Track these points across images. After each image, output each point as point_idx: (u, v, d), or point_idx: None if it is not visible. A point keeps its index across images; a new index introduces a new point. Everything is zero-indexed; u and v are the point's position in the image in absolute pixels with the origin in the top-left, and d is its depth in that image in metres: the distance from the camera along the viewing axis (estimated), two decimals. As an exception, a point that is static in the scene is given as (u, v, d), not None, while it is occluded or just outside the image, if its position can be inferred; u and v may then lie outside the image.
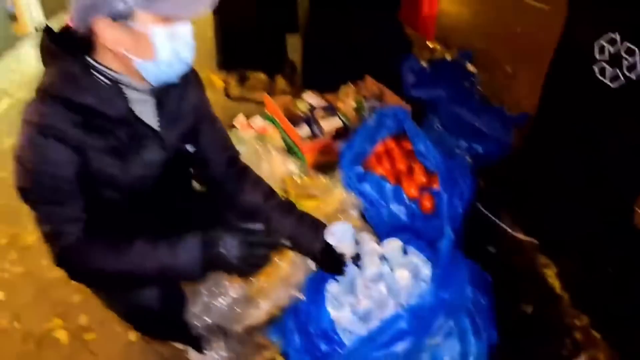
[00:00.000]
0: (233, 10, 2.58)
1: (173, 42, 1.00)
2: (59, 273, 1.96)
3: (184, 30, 1.02)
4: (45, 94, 1.01)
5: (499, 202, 2.17)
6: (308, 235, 1.40)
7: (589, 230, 1.79)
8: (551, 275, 1.87)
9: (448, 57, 3.42)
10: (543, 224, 2.00)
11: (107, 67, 1.04)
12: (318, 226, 1.42)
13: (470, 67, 3.08)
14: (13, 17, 6.05)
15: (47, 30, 1.06)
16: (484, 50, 4.03)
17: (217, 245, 1.07)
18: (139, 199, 1.19)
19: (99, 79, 1.04)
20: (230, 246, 1.07)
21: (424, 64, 3.01)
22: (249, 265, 1.11)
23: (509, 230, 2.06)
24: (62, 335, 1.79)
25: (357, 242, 1.42)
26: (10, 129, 3.50)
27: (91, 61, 1.03)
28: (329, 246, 1.38)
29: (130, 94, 1.09)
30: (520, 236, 2.03)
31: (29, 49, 5.64)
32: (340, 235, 1.37)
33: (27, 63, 5.14)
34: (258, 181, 1.48)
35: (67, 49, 1.02)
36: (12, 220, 2.38)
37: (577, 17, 1.74)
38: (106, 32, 0.96)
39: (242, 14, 2.77)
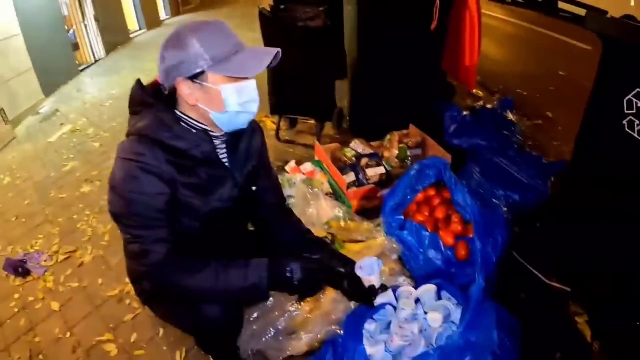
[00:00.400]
0: (284, 58, 2.74)
1: (240, 96, 1.23)
2: (113, 292, 2.24)
3: (250, 86, 1.25)
4: (141, 136, 1.22)
5: (533, 250, 2.21)
6: (339, 268, 1.52)
7: (622, 276, 1.84)
8: (582, 322, 1.89)
9: (489, 105, 3.50)
10: (576, 271, 2.04)
11: (189, 117, 1.27)
12: (348, 261, 1.56)
13: (511, 116, 3.16)
14: (75, 46, 6.59)
15: (139, 83, 1.29)
16: (526, 96, 4.09)
17: (284, 270, 1.28)
18: (211, 227, 1.39)
19: (187, 127, 1.27)
20: (294, 271, 1.28)
21: (464, 112, 3.13)
22: (308, 288, 1.32)
23: (542, 277, 2.10)
24: (111, 348, 1.91)
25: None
26: (70, 153, 3.79)
27: (178, 112, 1.27)
28: (358, 279, 1.48)
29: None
30: (554, 284, 2.07)
31: (89, 78, 6.06)
32: (368, 269, 1.47)
33: (87, 91, 5.53)
34: (298, 222, 1.70)
35: (160, 100, 1.25)
36: (71, 238, 2.62)
37: (606, 73, 1.84)
38: (186, 89, 1.20)
39: (292, 62, 2.89)
